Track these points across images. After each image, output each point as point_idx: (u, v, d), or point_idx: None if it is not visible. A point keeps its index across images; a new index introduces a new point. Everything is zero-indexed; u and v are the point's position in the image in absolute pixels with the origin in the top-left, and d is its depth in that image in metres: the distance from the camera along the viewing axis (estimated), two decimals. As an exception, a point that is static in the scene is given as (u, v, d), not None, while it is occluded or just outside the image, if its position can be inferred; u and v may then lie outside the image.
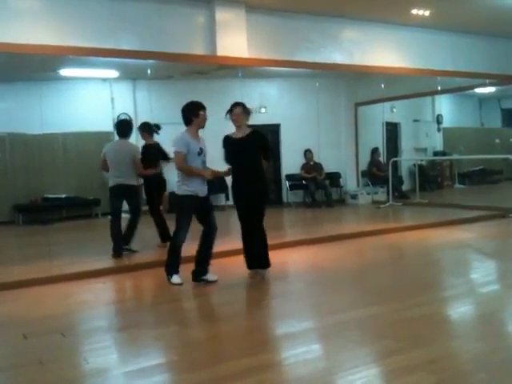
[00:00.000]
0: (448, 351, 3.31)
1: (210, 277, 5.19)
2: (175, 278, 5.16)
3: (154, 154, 6.90)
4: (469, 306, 4.42)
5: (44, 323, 4.20)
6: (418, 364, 3.05)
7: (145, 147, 7.03)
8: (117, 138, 8.67)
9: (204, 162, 5.11)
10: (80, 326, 4.20)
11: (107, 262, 6.18)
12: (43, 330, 4.01)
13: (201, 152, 5.04)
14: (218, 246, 6.77)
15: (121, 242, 6.53)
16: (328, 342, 3.63)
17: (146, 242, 7.05)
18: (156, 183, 7.04)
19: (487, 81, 10.53)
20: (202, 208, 5.11)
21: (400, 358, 3.15)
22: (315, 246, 7.03)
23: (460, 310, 4.30)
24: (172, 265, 5.17)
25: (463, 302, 4.48)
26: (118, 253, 6.43)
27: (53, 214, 10.23)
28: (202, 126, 5.13)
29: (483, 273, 5.60)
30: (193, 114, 5.05)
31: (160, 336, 3.87)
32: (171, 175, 6.29)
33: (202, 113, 5.06)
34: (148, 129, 7.08)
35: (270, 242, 6.19)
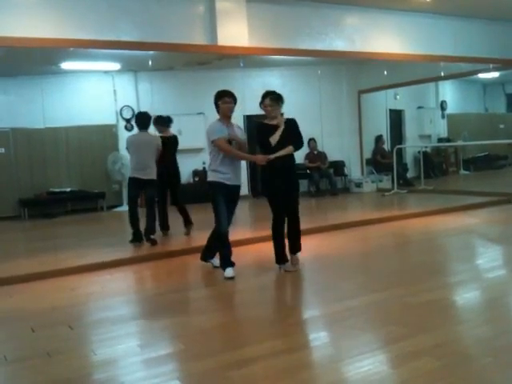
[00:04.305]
0: (454, 336, 3.32)
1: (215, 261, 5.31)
2: (227, 271, 4.99)
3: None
4: (474, 292, 4.41)
5: (51, 316, 4.22)
6: (423, 349, 3.06)
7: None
8: (122, 130, 8.84)
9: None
10: (87, 318, 4.22)
11: (113, 254, 6.19)
12: (50, 323, 4.04)
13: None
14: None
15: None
16: (334, 328, 3.64)
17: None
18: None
19: (491, 66, 10.45)
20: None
21: (406, 344, 3.15)
22: (320, 234, 7.02)
23: (466, 296, 4.30)
24: (222, 257, 5.08)
25: (469, 288, 4.48)
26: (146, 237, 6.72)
27: (58, 207, 10.26)
28: (226, 115, 5.06)
29: (489, 258, 5.60)
30: (215, 103, 5.05)
31: (167, 326, 3.89)
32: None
33: (219, 102, 5.01)
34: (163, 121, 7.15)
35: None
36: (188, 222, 7.21)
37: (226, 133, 4.98)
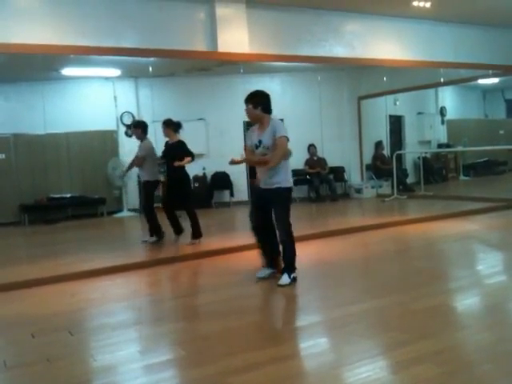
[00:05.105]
0: (454, 342, 3.32)
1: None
2: (259, 272, 5.04)
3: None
4: (475, 298, 4.41)
5: (51, 321, 4.22)
6: (424, 355, 3.05)
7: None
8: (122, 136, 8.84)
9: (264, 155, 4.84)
10: (87, 324, 4.22)
11: (114, 259, 6.20)
12: (50, 329, 4.04)
13: (259, 145, 4.84)
14: (225, 242, 6.83)
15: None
16: (334, 335, 3.64)
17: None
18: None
19: (490, 72, 10.48)
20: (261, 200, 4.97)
21: (406, 350, 3.15)
22: (320, 240, 7.02)
23: (466, 302, 4.30)
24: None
25: (469, 294, 4.48)
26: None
27: (58, 213, 10.27)
28: (250, 120, 5.00)
29: (489, 264, 5.59)
30: None
31: (168, 332, 3.89)
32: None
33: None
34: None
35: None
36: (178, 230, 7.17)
37: (252, 140, 4.90)
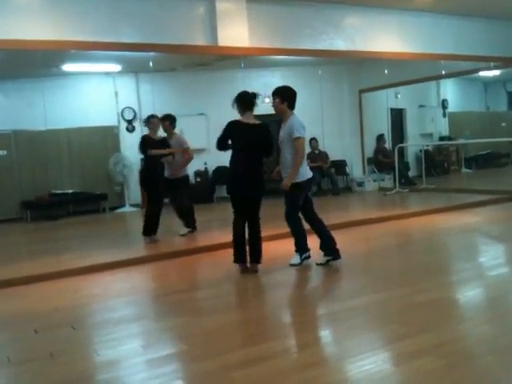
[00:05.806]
0: (456, 335, 3.32)
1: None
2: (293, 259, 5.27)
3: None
4: (477, 290, 4.41)
5: (54, 317, 4.23)
6: (425, 348, 3.06)
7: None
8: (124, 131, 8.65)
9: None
10: (90, 319, 4.24)
11: (116, 255, 6.20)
12: (53, 324, 4.05)
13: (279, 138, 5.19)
14: (226, 237, 6.83)
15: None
16: (336, 328, 3.65)
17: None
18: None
19: (492, 64, 10.44)
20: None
21: (408, 343, 3.16)
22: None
23: (468, 294, 4.30)
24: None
25: (471, 286, 4.48)
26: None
27: (60, 209, 10.28)
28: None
29: (491, 256, 5.60)
30: None
31: (170, 326, 3.90)
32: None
33: None
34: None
35: (277, 231, 6.25)
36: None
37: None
